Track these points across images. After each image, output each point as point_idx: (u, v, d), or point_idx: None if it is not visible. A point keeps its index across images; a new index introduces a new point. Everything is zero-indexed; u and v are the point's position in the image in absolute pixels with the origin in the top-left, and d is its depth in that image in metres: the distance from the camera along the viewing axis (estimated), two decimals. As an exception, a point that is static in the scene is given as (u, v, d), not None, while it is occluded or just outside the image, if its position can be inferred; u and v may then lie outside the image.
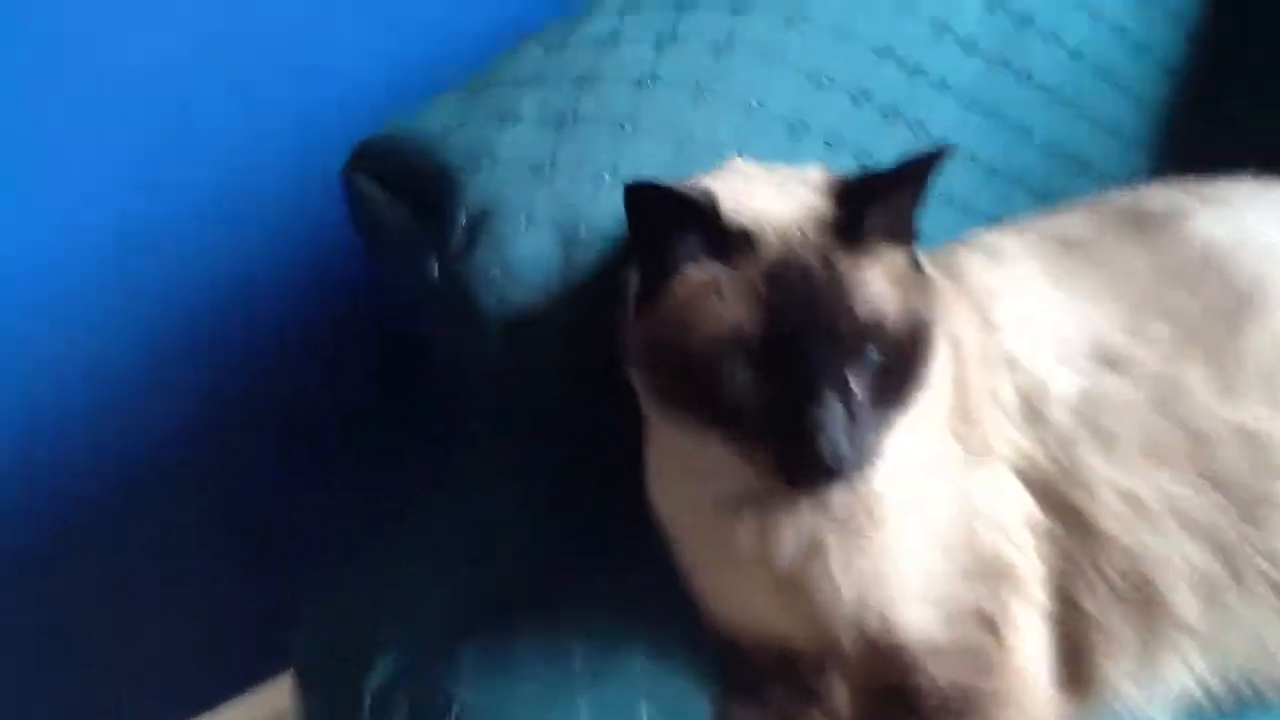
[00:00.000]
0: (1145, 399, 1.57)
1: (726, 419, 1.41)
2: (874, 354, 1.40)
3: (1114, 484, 1.55)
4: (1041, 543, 1.57)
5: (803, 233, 1.42)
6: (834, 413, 1.36)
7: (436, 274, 1.66)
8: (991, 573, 1.56)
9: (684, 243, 1.43)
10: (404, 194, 1.72)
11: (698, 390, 1.42)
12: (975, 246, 1.73)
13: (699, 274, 1.43)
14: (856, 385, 1.39)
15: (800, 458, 1.37)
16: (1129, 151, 2.24)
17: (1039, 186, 2.13)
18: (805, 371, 1.37)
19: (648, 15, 1.82)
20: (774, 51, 1.81)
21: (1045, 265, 1.69)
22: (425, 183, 1.69)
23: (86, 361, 1.94)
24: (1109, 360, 1.60)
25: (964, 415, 1.60)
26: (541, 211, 1.66)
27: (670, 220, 1.42)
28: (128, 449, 2.03)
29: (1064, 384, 1.59)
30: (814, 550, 1.53)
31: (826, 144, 1.82)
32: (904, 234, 1.46)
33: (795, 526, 1.53)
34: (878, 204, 1.42)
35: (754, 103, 1.79)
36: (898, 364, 1.42)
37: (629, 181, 1.40)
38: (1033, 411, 1.59)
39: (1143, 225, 1.72)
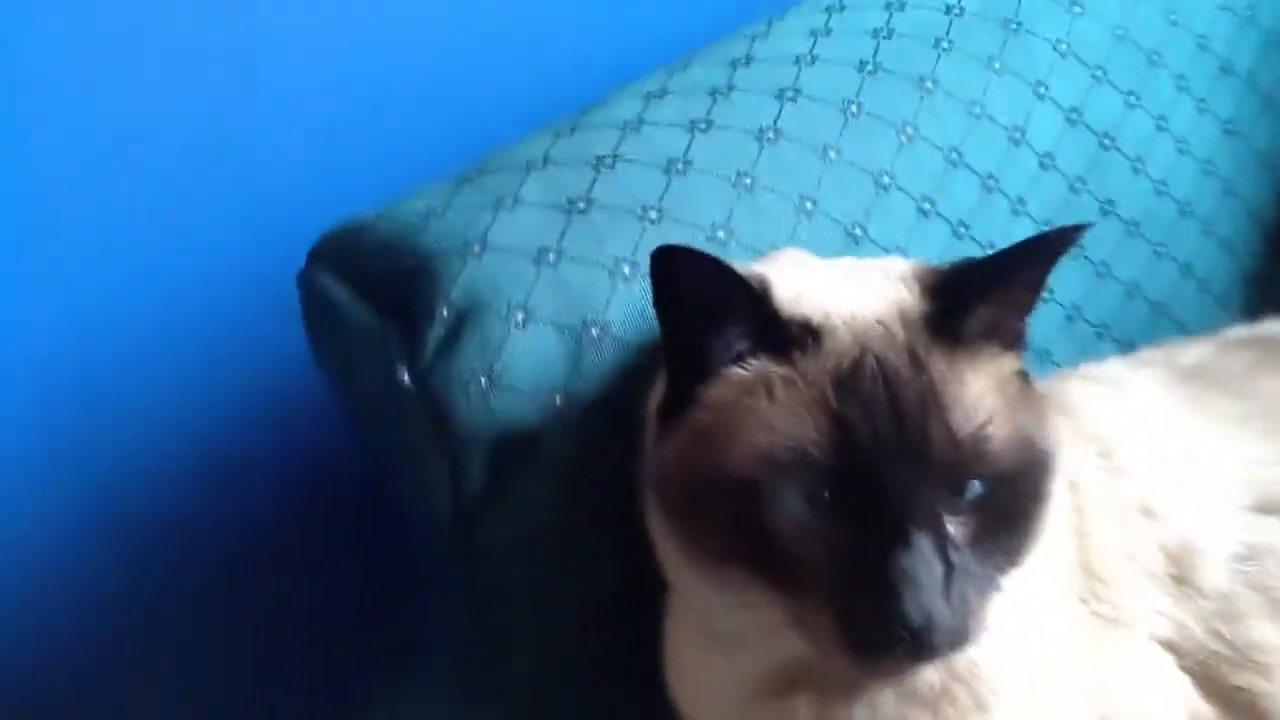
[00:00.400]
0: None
1: (777, 570, 1.05)
2: (977, 487, 1.05)
3: (1288, 660, 1.16)
4: (1206, 737, 1.16)
5: (884, 327, 1.09)
6: (927, 564, 1.00)
7: (407, 381, 1.30)
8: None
9: (728, 333, 1.09)
10: (372, 292, 1.37)
11: (739, 530, 1.06)
12: (1087, 376, 1.39)
13: (746, 375, 1.09)
14: (955, 528, 1.04)
15: (880, 625, 1.00)
16: (1217, 306, 1.93)
17: (1120, 334, 1.80)
18: (888, 507, 1.02)
19: (677, 102, 1.52)
20: (829, 147, 1.51)
21: (1177, 397, 1.34)
22: (398, 276, 1.36)
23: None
24: (1273, 505, 1.23)
25: (1090, 577, 1.22)
26: (543, 307, 1.32)
27: (711, 302, 1.08)
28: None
29: (1219, 537, 1.23)
30: None
31: (883, 250, 1.50)
32: (1013, 337, 1.13)
33: (871, 715, 1.12)
34: (983, 295, 1.09)
35: (807, 202, 1.47)
36: (1007, 501, 1.07)
37: (662, 245, 1.06)
38: (1182, 573, 1.21)
39: (1276, 352, 1.40)
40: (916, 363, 1.07)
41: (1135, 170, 1.80)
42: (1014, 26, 1.69)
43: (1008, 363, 1.12)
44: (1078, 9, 1.74)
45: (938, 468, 1.03)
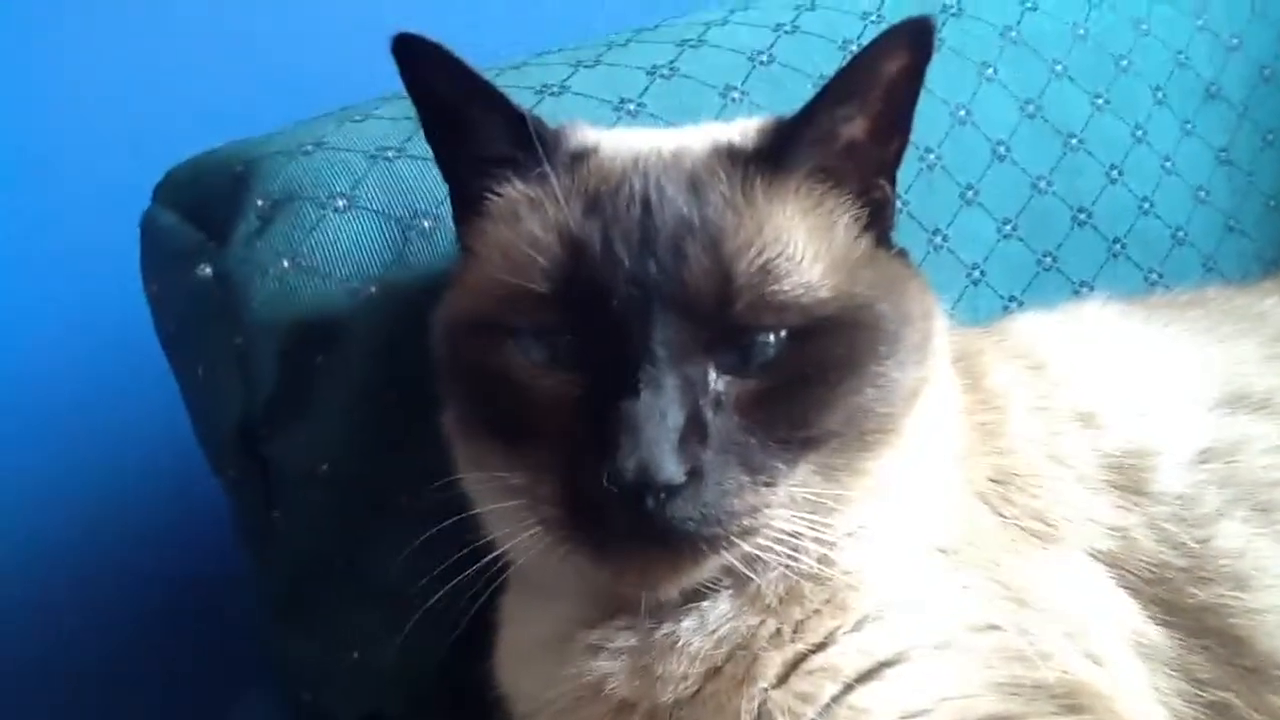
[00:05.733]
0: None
1: (515, 434, 0.89)
2: (770, 347, 0.86)
3: (1272, 567, 0.87)
4: (1157, 669, 0.86)
5: (670, 157, 0.93)
6: (657, 411, 0.82)
7: (209, 274, 1.12)
8: (1067, 714, 0.84)
9: (478, 145, 0.96)
10: (196, 210, 1.22)
11: (483, 387, 0.92)
12: (1036, 312, 1.18)
13: (500, 203, 0.95)
14: (725, 385, 0.85)
15: (595, 484, 0.81)
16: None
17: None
18: (624, 347, 0.84)
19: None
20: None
21: (1138, 317, 1.13)
22: (224, 186, 1.21)
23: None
24: (1242, 399, 0.98)
25: (1008, 484, 0.96)
26: (369, 196, 1.17)
27: (457, 106, 0.95)
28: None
29: (1178, 438, 1.01)
30: (735, 663, 0.85)
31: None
32: (862, 179, 0.94)
33: (700, 626, 0.87)
34: (809, 121, 0.92)
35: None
36: (810, 365, 0.87)
37: (402, 32, 0.93)
38: (1127, 479, 0.95)
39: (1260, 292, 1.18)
40: (696, 190, 0.90)
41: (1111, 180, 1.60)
42: (954, 10, 1.55)
43: (845, 215, 0.94)
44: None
45: (696, 304, 0.85)
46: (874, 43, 0.90)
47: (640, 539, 0.82)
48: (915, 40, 0.89)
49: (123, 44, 1.70)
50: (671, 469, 0.79)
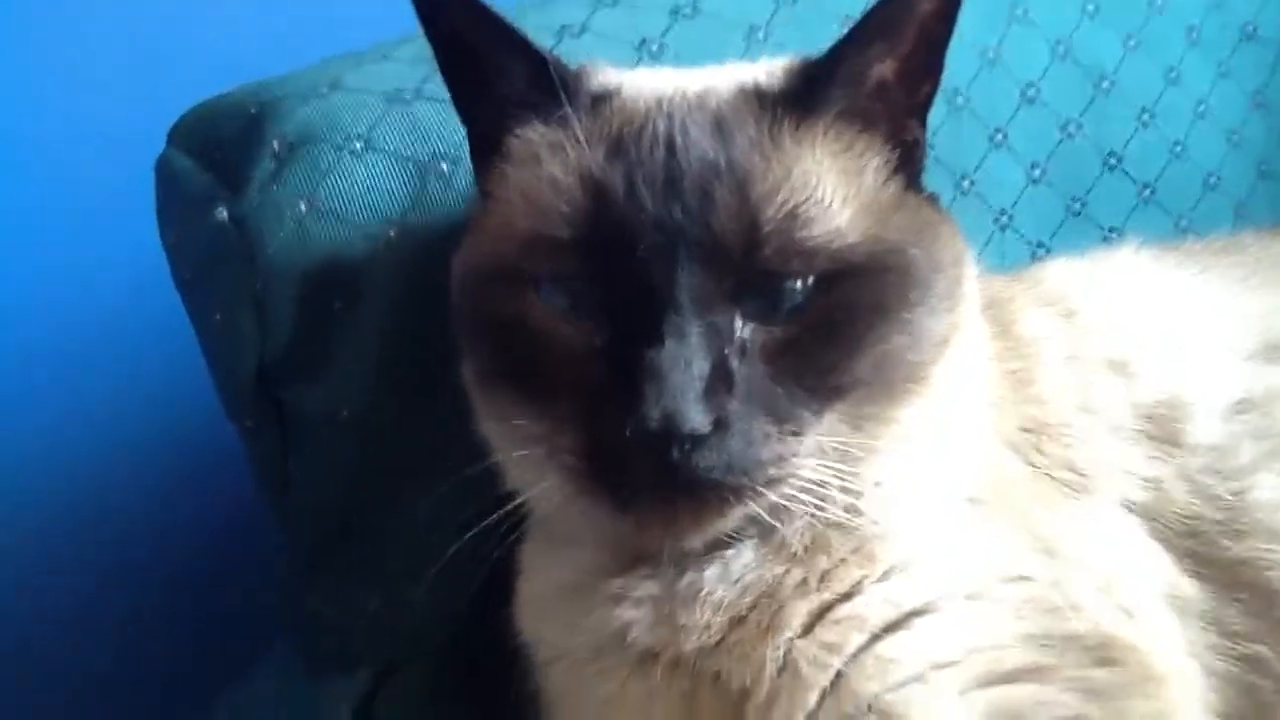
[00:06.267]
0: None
1: (535, 383, 0.87)
2: (798, 293, 0.83)
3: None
4: (1189, 623, 0.85)
5: (695, 98, 0.90)
6: (681, 359, 0.80)
7: (225, 218, 1.11)
8: (1099, 667, 0.82)
9: (499, 88, 0.93)
10: (212, 152, 1.20)
11: (503, 335, 0.89)
12: (1077, 255, 1.15)
13: (520, 146, 0.92)
14: (751, 332, 0.83)
15: (618, 433, 0.79)
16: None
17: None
18: (648, 293, 0.82)
19: None
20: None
21: (1172, 263, 1.10)
22: (239, 128, 1.18)
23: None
24: (1278, 349, 0.95)
25: (1039, 434, 0.94)
26: (386, 138, 1.14)
27: (477, 48, 0.93)
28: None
29: (1214, 388, 0.99)
30: (760, 612, 0.83)
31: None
32: (893, 121, 0.92)
33: (723, 575, 0.85)
34: (850, 59, 0.89)
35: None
36: (838, 311, 0.85)
37: None
38: (1161, 429, 0.93)
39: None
40: (722, 132, 0.87)
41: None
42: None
43: (875, 158, 0.91)
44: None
45: (722, 250, 0.83)
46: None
47: (664, 489, 0.80)
48: None
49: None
50: (697, 418, 0.77)
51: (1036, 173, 1.48)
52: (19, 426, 1.69)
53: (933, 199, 0.97)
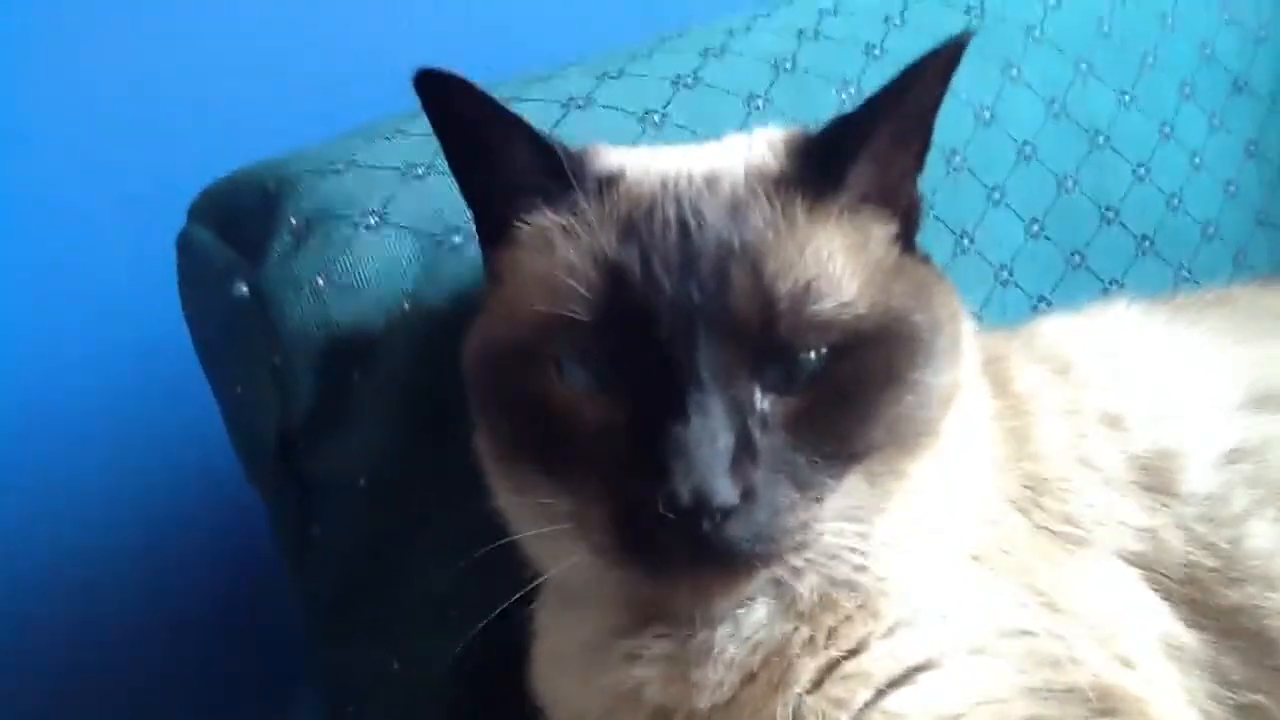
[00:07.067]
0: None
1: (559, 459, 0.89)
2: (811, 361, 0.87)
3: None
4: (1189, 671, 0.87)
5: (703, 181, 0.93)
6: (706, 436, 0.83)
7: (245, 293, 1.15)
8: (1100, 717, 0.85)
9: (507, 176, 0.96)
10: (231, 228, 1.24)
11: (524, 412, 0.91)
12: (1068, 312, 1.18)
13: (530, 231, 0.95)
14: (770, 404, 0.86)
15: (648, 511, 0.82)
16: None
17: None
18: (669, 372, 0.85)
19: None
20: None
21: (1162, 317, 1.13)
22: (258, 204, 1.22)
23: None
24: (1269, 399, 0.98)
25: (1037, 489, 0.97)
26: (400, 213, 1.18)
27: (483, 137, 0.96)
28: None
29: (1206, 439, 1.02)
30: (770, 669, 0.86)
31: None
32: (894, 197, 0.95)
33: (734, 634, 0.88)
34: (852, 142, 0.93)
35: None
36: (849, 378, 0.88)
37: (424, 67, 0.94)
38: (1155, 480, 0.96)
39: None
40: (736, 213, 0.90)
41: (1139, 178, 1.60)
42: (977, 11, 1.55)
43: (879, 228, 0.95)
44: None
45: (740, 327, 0.86)
46: (910, 76, 0.90)
47: (697, 560, 0.83)
48: (947, 66, 0.90)
49: (155, 60, 1.72)
50: (726, 492, 0.80)
51: (1035, 228, 1.52)
52: (42, 489, 1.72)
53: (927, 260, 1.00)
